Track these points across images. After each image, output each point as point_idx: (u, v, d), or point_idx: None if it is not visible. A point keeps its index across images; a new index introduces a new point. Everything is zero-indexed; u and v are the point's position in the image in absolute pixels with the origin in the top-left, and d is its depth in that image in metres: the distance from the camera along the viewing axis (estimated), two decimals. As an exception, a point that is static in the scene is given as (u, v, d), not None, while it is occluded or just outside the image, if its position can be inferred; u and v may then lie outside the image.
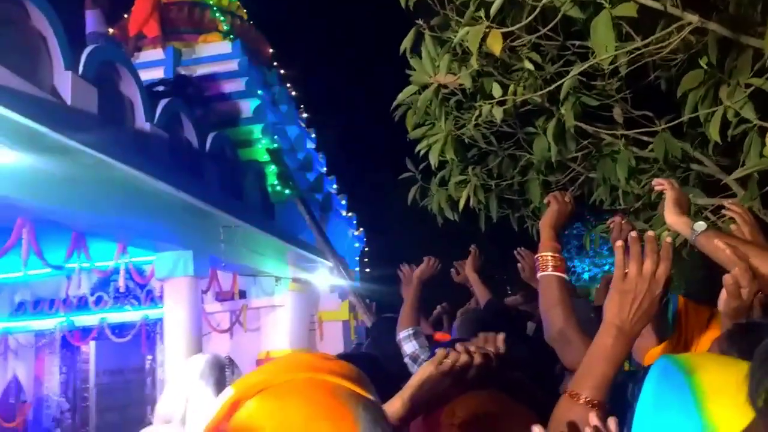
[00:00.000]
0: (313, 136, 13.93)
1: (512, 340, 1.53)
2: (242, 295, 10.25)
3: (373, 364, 1.91)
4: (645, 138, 3.44)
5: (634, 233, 1.24)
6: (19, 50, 4.61)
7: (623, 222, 2.22)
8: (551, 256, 1.71)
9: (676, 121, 2.95)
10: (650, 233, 1.24)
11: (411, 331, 2.64)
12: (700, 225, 1.73)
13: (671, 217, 1.81)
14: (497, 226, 4.19)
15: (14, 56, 4.47)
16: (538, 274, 1.74)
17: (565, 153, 3.54)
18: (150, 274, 7.83)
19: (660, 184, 1.91)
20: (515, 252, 3.37)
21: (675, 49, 2.92)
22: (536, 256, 1.78)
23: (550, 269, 1.70)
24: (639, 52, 2.71)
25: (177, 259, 7.20)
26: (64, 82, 5.01)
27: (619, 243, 1.26)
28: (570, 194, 1.97)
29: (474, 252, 3.53)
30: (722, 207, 3.36)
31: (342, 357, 1.21)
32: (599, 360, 1.16)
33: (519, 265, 3.34)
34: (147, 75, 9.91)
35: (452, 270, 3.69)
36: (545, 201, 1.92)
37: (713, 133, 2.46)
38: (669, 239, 1.24)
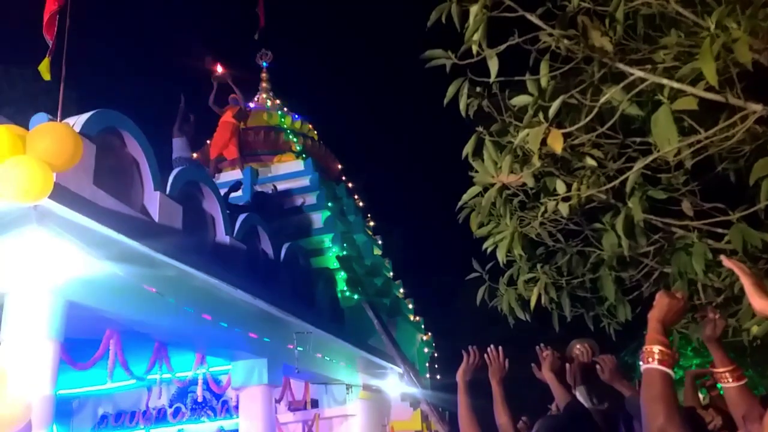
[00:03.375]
0: (380, 242, 14.12)
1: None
2: (314, 404, 10.06)
3: None
4: (719, 230, 3.29)
5: None
6: (115, 174, 5.01)
7: (717, 317, 2.07)
8: (659, 350, 1.62)
9: (751, 209, 2.82)
10: None
11: None
12: None
13: (759, 302, 1.67)
14: (572, 326, 4.00)
15: (111, 179, 4.86)
16: (642, 367, 1.64)
17: (636, 248, 3.42)
18: (226, 384, 7.85)
19: (730, 263, 1.79)
20: (592, 360, 3.22)
21: (741, 140, 2.85)
22: (643, 348, 1.70)
23: (655, 363, 1.60)
24: (702, 144, 2.66)
25: (252, 368, 7.22)
26: (152, 201, 5.36)
27: None
28: (683, 292, 1.88)
29: (551, 352, 3.36)
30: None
31: None
32: None
33: (597, 367, 3.16)
34: (227, 191, 10.49)
35: (533, 365, 3.51)
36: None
37: (794, 219, 2.32)
38: None
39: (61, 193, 4.06)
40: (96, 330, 5.49)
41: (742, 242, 3.01)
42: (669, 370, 1.59)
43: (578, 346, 3.37)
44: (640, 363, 1.66)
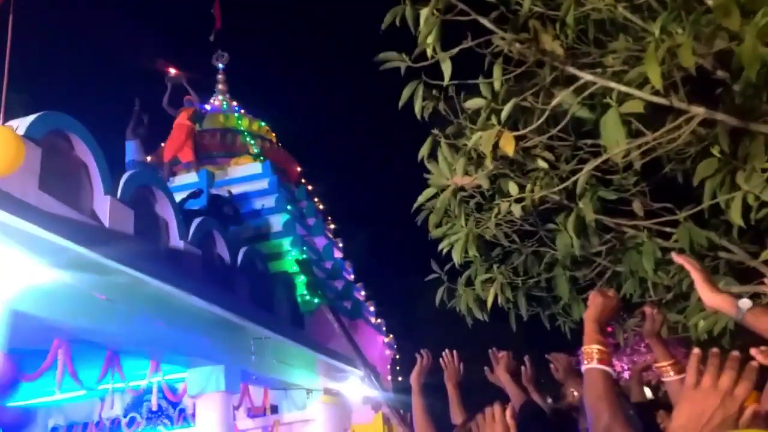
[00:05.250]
0: (341, 245, 14.08)
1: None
2: (274, 410, 9.95)
3: None
4: (668, 229, 3.40)
5: (715, 349, 1.19)
6: (62, 178, 4.85)
7: (655, 312, 2.13)
8: (597, 349, 1.64)
9: (697, 209, 2.92)
10: (735, 353, 1.18)
11: None
12: (746, 302, 1.63)
13: (709, 296, 1.71)
14: (529, 325, 4.07)
15: (58, 184, 4.70)
16: (583, 368, 1.67)
17: (588, 248, 3.49)
18: (182, 392, 7.68)
19: (681, 259, 1.84)
20: (546, 356, 3.28)
21: (687, 142, 2.95)
22: (581, 349, 1.72)
23: (595, 362, 1.63)
24: (650, 145, 2.74)
25: (209, 375, 7.09)
26: (102, 205, 5.21)
27: (697, 350, 1.22)
28: (614, 290, 1.92)
29: (507, 353, 3.39)
30: (758, 294, 3.24)
31: None
32: None
33: (552, 366, 3.22)
34: (182, 197, 10.29)
35: (486, 369, 3.54)
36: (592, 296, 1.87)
37: (735, 218, 2.41)
38: (756, 362, 1.16)
39: (4, 199, 3.91)
40: (43, 339, 5.30)
41: (689, 241, 3.11)
42: (609, 369, 1.63)
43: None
44: (581, 363, 1.69)
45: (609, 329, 1.81)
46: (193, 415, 8.05)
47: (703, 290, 1.73)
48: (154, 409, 8.95)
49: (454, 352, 2.92)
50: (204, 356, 6.94)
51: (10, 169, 3.56)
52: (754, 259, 3.25)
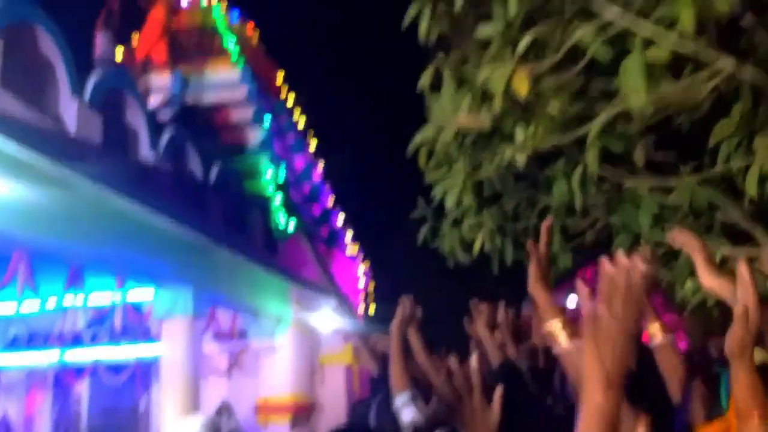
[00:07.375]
0: (321, 166, 13.94)
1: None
2: (242, 335, 10.10)
3: None
4: (667, 185, 3.39)
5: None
6: (26, 75, 4.66)
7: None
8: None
9: (709, 173, 2.90)
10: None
11: (407, 396, 2.36)
12: None
13: (709, 279, 1.68)
14: (512, 269, 4.11)
15: (21, 82, 4.52)
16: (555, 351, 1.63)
17: (584, 198, 3.48)
18: (148, 312, 7.75)
19: (680, 236, 1.78)
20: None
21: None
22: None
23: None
24: (668, 99, 2.68)
25: (176, 297, 7.10)
26: (69, 109, 5.04)
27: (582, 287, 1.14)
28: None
29: (487, 306, 3.35)
30: (751, 259, 3.28)
31: None
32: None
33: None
34: (153, 100, 10.01)
35: (465, 319, 3.56)
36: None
37: (750, 189, 2.39)
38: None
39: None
40: (3, 251, 5.26)
41: (690, 198, 3.11)
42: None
43: None
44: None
45: None
46: (158, 335, 8.14)
47: (703, 273, 1.69)
48: (118, 328, 9.07)
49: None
50: (171, 277, 6.95)
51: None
52: (752, 222, 3.27)
